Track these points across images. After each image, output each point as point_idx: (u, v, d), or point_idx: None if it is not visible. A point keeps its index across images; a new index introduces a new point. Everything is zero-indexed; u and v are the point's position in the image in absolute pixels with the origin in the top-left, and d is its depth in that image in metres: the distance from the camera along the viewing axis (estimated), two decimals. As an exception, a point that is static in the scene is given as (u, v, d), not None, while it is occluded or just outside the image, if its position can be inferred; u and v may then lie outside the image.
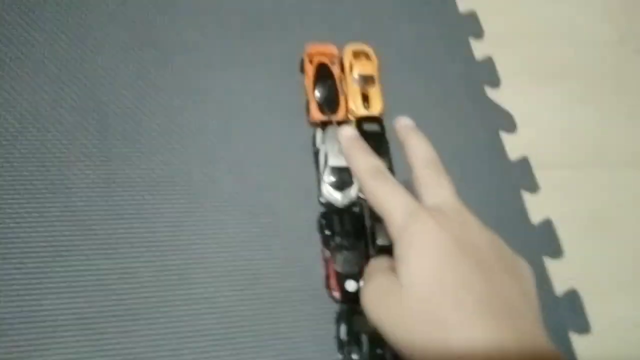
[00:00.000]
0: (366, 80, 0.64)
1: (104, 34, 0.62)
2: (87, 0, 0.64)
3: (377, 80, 0.64)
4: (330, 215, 0.56)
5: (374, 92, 0.64)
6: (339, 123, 0.61)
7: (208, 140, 0.59)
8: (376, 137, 0.60)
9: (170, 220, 0.54)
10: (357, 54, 0.66)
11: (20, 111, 0.56)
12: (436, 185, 0.32)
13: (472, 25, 0.77)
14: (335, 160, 0.58)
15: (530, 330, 0.26)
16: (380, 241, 0.53)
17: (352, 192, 0.58)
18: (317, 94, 0.63)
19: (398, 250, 0.29)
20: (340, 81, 0.64)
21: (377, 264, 0.32)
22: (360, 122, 0.62)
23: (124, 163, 0.55)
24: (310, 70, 0.64)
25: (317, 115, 0.62)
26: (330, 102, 0.63)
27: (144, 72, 0.62)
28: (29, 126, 0.55)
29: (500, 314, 0.26)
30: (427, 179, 0.32)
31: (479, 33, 0.77)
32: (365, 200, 0.58)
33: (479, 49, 0.75)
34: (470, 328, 0.26)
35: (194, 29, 0.66)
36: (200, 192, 0.56)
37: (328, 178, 0.58)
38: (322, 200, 0.58)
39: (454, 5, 0.78)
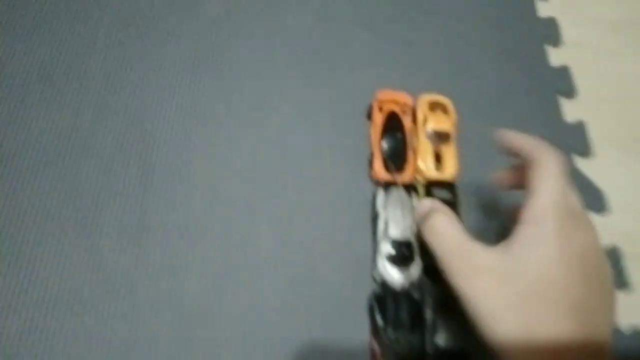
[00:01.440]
0: (441, 137, 0.56)
1: (159, 55, 0.57)
2: (148, 15, 0.59)
3: (453, 139, 0.56)
4: (385, 298, 0.49)
5: (449, 152, 0.55)
6: (406, 186, 0.53)
7: (255, 185, 0.53)
8: (449, 207, 0.52)
9: (200, 281, 0.47)
10: (433, 106, 0.58)
11: (59, 132, 0.51)
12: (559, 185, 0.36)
13: (563, 83, 0.68)
14: (397, 231, 0.51)
15: (605, 337, 0.31)
16: (441, 341, 0.45)
17: (414, 271, 0.50)
18: (384, 146, 0.55)
19: (522, 235, 0.34)
20: (411, 135, 0.57)
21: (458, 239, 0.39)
22: (429, 186, 0.54)
23: (160, 206, 0.49)
24: (378, 118, 0.57)
25: (381, 172, 0.54)
26: (397, 159, 0.55)
27: (196, 102, 0.56)
28: (65, 152, 0.50)
29: (584, 320, 0.31)
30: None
31: (571, 92, 0.68)
32: (429, 286, 0.50)
33: (570, 111, 0.66)
34: (558, 326, 0.30)
35: (259, 61, 0.59)
36: (237, 249, 0.49)
37: (386, 250, 0.50)
38: (377, 276, 0.50)
39: (546, 59, 0.69)
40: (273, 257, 0.50)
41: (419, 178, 0.55)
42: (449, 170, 0.54)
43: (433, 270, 0.49)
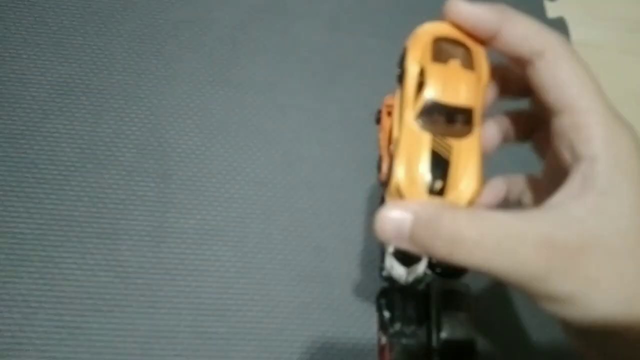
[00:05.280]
0: (451, 117, 0.26)
1: (175, 66, 0.60)
2: (164, 30, 0.62)
3: (478, 123, 0.26)
4: (392, 294, 0.50)
5: (466, 152, 0.26)
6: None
7: (269, 190, 0.55)
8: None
9: (216, 280, 0.50)
10: (443, 47, 0.27)
11: (80, 144, 0.54)
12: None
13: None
14: (404, 231, 0.52)
15: None
16: (445, 334, 0.47)
17: (420, 268, 0.51)
18: (392, 150, 0.57)
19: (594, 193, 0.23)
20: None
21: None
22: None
23: (179, 212, 0.52)
24: (387, 123, 0.59)
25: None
26: (405, 162, 0.57)
27: (213, 112, 0.58)
28: (87, 161, 0.53)
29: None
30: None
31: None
32: (434, 280, 0.52)
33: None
34: (616, 297, 0.22)
35: (271, 72, 0.62)
36: (253, 250, 0.52)
37: (393, 249, 0.52)
38: (384, 273, 0.52)
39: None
40: (287, 259, 0.52)
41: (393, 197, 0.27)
42: (465, 191, 0.25)
43: (437, 264, 0.51)
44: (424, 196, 0.25)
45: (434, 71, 0.26)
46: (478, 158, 0.26)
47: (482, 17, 0.25)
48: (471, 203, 0.25)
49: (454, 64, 0.26)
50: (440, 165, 0.25)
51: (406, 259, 0.51)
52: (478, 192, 0.25)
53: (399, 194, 0.25)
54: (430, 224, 0.23)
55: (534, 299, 0.24)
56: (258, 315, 0.49)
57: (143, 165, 0.54)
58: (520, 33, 0.25)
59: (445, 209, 0.24)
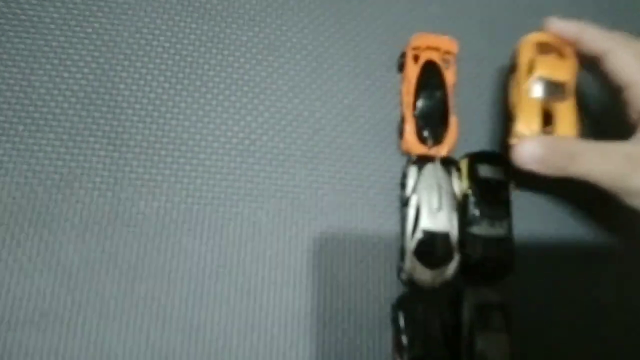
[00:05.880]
0: (555, 89, 0.39)
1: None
2: None
3: (571, 93, 0.40)
4: (412, 304, 0.39)
5: (566, 111, 0.39)
6: (445, 161, 0.42)
7: (256, 163, 0.42)
8: (498, 188, 0.42)
9: (191, 283, 0.39)
10: (543, 48, 0.41)
11: (8, 98, 0.41)
12: None
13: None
14: (431, 221, 0.40)
15: None
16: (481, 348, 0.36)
17: (450, 270, 0.40)
18: (419, 108, 0.44)
19: None
20: (453, 93, 0.44)
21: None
22: (474, 160, 0.42)
23: (136, 191, 0.40)
24: (412, 71, 0.45)
25: (413, 143, 0.43)
26: (435, 125, 0.44)
27: (182, 52, 0.44)
28: (17, 123, 0.40)
29: None
30: None
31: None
32: (467, 291, 0.40)
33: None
34: None
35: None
36: (234, 242, 0.40)
37: (416, 245, 0.40)
38: (403, 276, 0.40)
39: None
40: (277, 257, 0.41)
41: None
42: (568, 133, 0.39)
43: (474, 267, 0.40)
44: None
45: (540, 59, 0.40)
46: (573, 115, 0.39)
47: (566, 28, 0.40)
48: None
49: (552, 56, 0.41)
50: (548, 119, 0.39)
51: (432, 259, 0.40)
52: (577, 134, 0.39)
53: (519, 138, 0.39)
54: (554, 146, 0.37)
55: (620, 195, 0.36)
56: (261, 323, 0.38)
57: (90, 126, 0.41)
58: (591, 38, 0.39)
59: (561, 137, 0.38)
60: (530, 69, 0.40)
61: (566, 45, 0.41)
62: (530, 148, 0.37)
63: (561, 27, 0.40)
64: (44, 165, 0.39)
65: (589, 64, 0.40)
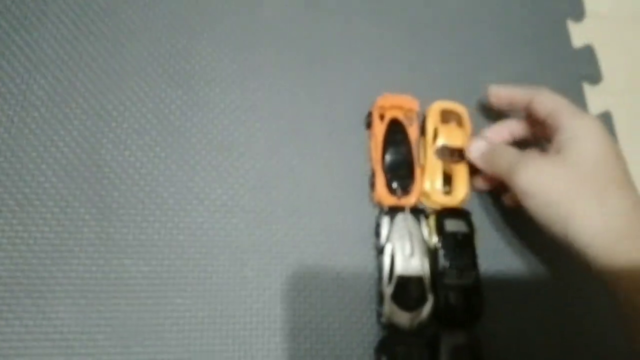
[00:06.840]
0: (453, 154, 0.48)
1: (120, 56, 0.48)
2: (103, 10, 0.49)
3: (466, 156, 0.48)
4: (394, 346, 0.42)
5: (460, 172, 0.48)
6: (414, 210, 0.46)
7: (238, 218, 0.45)
8: (464, 241, 0.45)
9: (179, 337, 0.41)
10: (445, 116, 0.49)
11: None
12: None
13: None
14: (405, 266, 0.44)
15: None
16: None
17: (425, 311, 0.43)
18: (387, 162, 0.47)
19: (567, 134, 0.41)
20: (418, 148, 0.49)
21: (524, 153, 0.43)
22: (440, 217, 0.46)
23: (126, 256, 0.42)
24: (379, 129, 0.49)
25: (384, 195, 0.46)
26: (402, 176, 0.47)
27: (167, 117, 0.47)
28: (7, 198, 0.42)
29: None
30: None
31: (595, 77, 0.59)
32: (443, 333, 0.44)
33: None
34: (620, 197, 0.38)
35: (237, 66, 0.50)
36: (221, 300, 0.42)
37: (392, 291, 0.43)
38: (383, 320, 0.43)
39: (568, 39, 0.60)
40: (263, 306, 0.43)
41: (426, 203, 0.48)
42: (460, 194, 0.47)
43: (447, 313, 0.43)
44: (441, 197, 0.47)
45: (442, 129, 0.49)
46: (467, 176, 0.48)
47: (501, 93, 0.48)
48: (464, 201, 0.48)
49: (452, 124, 0.49)
50: (447, 179, 0.48)
51: (408, 302, 0.43)
52: (467, 194, 0.48)
53: (426, 197, 0.48)
54: (497, 146, 0.45)
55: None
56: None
57: (79, 197, 0.43)
58: (520, 92, 0.46)
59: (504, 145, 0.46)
60: (435, 136, 0.48)
61: (464, 113, 0.49)
62: (477, 144, 0.46)
63: (503, 92, 0.47)
64: (36, 238, 0.41)
65: (523, 111, 0.47)
